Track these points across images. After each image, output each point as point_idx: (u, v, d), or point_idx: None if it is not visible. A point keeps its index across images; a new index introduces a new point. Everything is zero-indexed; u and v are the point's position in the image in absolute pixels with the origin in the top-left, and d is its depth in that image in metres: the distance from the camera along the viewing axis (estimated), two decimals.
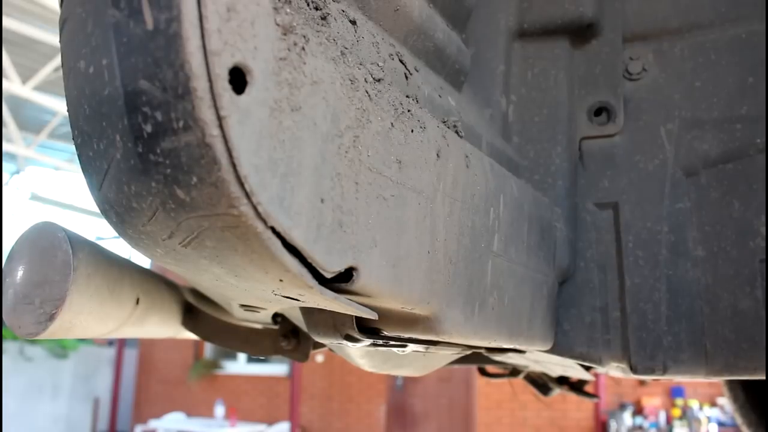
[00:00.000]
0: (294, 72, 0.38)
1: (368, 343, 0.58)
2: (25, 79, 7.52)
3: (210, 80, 0.32)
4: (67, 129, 8.80)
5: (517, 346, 0.74)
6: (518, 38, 0.93)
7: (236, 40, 0.33)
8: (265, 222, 0.36)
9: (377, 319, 0.52)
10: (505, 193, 0.68)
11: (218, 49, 0.32)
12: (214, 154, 0.32)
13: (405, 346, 0.63)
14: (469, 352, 0.82)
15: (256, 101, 0.34)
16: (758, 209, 0.80)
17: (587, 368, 1.20)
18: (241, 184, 0.34)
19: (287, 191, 0.37)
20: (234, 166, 0.33)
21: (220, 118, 0.32)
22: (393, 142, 0.48)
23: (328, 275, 0.42)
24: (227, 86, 0.32)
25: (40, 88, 7.74)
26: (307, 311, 0.58)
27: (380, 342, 0.59)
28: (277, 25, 0.36)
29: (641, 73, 0.91)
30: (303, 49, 0.38)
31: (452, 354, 0.88)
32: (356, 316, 0.55)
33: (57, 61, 7.43)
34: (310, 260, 0.39)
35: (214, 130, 0.32)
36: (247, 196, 0.34)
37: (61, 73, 0.40)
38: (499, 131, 0.88)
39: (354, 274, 0.44)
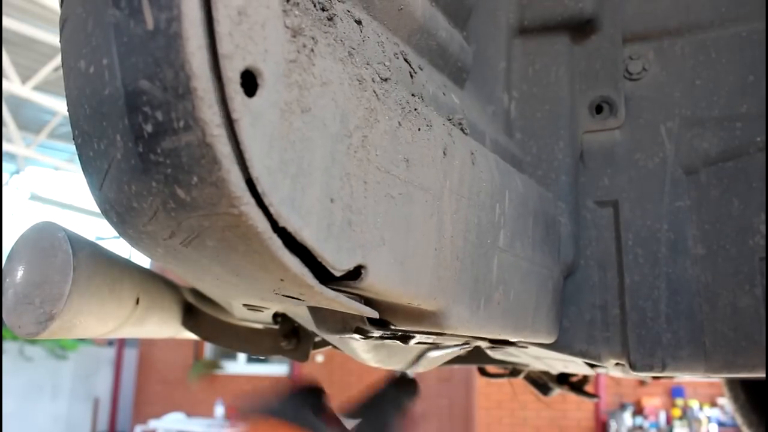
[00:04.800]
0: (303, 74, 0.38)
1: (379, 335, 0.58)
2: (24, 79, 7.52)
3: (221, 83, 0.32)
4: (67, 129, 8.80)
5: (522, 340, 0.75)
6: (519, 35, 0.94)
7: (247, 43, 0.33)
8: (276, 222, 0.36)
9: (378, 317, 0.53)
10: (510, 189, 0.69)
11: (230, 53, 0.32)
12: (214, 154, 0.32)
13: (414, 337, 0.63)
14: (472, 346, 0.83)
15: (267, 103, 0.35)
16: (758, 207, 0.80)
17: (591, 365, 1.20)
18: (253, 185, 0.34)
19: (298, 192, 0.37)
20: (246, 167, 0.33)
21: (232, 121, 0.32)
22: (400, 140, 0.48)
23: (338, 273, 0.42)
24: (239, 89, 0.32)
25: (40, 88, 7.74)
26: (314, 307, 0.59)
27: (389, 334, 0.60)
28: (287, 27, 0.36)
29: (641, 72, 0.91)
30: (312, 50, 0.39)
31: (456, 349, 0.89)
32: None
33: (57, 60, 7.44)
34: (320, 259, 0.40)
35: (215, 130, 0.32)
36: (259, 196, 0.34)
37: (61, 72, 0.40)
38: (502, 127, 0.88)
39: (362, 272, 0.44)
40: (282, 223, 0.36)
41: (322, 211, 0.39)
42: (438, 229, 0.54)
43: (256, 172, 0.34)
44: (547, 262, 0.78)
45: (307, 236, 0.38)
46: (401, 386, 0.71)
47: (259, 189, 0.34)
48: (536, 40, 0.93)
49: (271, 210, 0.35)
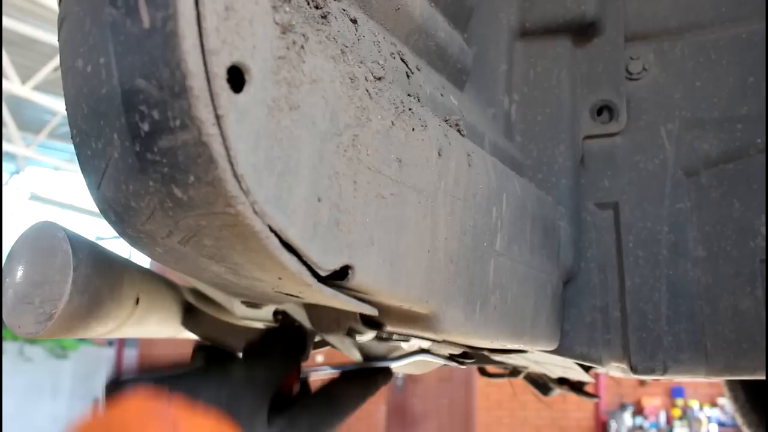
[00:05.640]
0: (293, 71, 0.37)
1: (372, 336, 0.58)
2: (24, 79, 7.53)
3: (208, 79, 0.31)
4: (67, 129, 8.80)
5: (521, 346, 0.74)
6: (520, 37, 0.93)
7: (234, 39, 0.33)
8: (261, 220, 0.35)
9: (376, 315, 0.52)
10: (508, 192, 0.68)
11: (216, 48, 0.32)
12: (210, 153, 0.32)
13: (408, 339, 0.63)
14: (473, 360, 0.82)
15: (255, 100, 0.34)
16: (758, 209, 0.79)
17: (587, 369, 1.20)
18: (238, 183, 0.33)
19: (284, 190, 0.37)
20: (231, 164, 0.33)
21: (217, 117, 0.32)
22: (393, 140, 0.48)
23: (324, 273, 0.41)
24: (225, 85, 0.32)
25: (40, 87, 7.75)
26: (309, 306, 0.58)
27: (384, 335, 0.59)
28: (276, 23, 0.36)
29: (642, 72, 0.91)
30: (302, 47, 0.38)
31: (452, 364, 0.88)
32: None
33: (56, 60, 7.44)
34: (305, 258, 0.39)
35: (210, 129, 0.32)
36: (244, 194, 0.34)
37: (60, 72, 0.40)
38: (501, 130, 0.88)
39: (349, 272, 0.43)
40: (267, 221, 0.35)
41: (308, 210, 0.39)
42: (431, 231, 0.53)
43: (240, 170, 0.33)
44: (546, 266, 0.77)
45: (292, 235, 0.37)
46: (288, 339, 0.65)
47: (243, 186, 0.34)
48: (538, 43, 0.93)
49: (256, 208, 0.34)
